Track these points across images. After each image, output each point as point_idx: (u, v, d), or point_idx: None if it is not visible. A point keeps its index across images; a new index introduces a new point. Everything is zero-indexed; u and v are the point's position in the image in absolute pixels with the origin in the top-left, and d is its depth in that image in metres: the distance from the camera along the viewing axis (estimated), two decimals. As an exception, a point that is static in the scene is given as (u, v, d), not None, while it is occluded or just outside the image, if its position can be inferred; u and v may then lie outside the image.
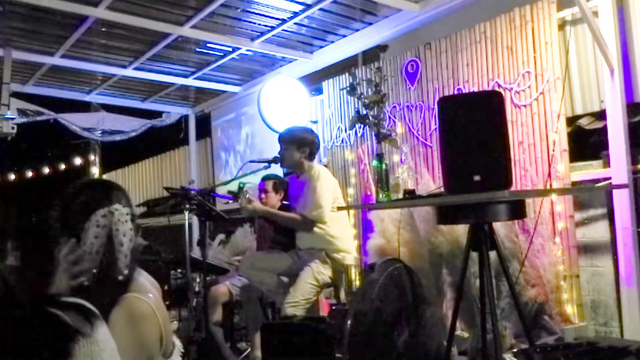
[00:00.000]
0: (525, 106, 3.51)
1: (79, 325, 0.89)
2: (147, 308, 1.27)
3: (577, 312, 3.26)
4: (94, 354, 0.87)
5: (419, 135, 4.15)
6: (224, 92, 5.95)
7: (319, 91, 5.16)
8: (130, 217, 1.35)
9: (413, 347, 2.80)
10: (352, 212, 4.42)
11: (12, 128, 4.63)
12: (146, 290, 1.32)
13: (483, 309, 2.40)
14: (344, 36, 4.49)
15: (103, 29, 4.28)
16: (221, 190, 5.01)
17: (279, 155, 3.61)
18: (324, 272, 3.42)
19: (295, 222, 3.52)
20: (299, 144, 3.53)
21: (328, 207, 3.42)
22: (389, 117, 4.25)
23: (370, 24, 4.26)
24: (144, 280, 1.37)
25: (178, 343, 1.44)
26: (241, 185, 3.58)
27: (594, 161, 3.39)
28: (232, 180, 3.76)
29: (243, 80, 5.68)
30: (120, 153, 9.06)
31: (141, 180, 9.34)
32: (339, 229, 3.52)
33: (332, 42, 4.61)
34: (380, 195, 2.93)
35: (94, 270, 1.28)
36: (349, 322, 2.68)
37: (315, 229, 3.44)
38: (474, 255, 2.32)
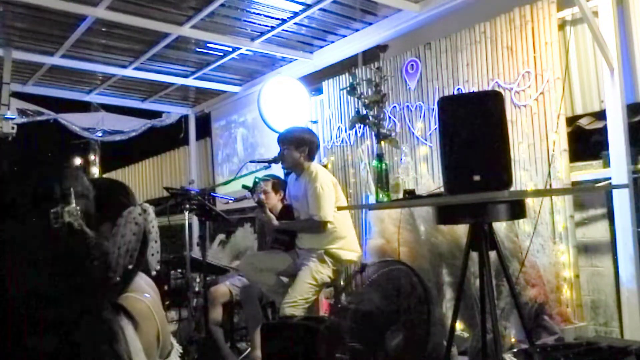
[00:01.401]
0: (525, 106, 3.51)
1: (121, 326, 0.90)
2: (144, 307, 1.27)
3: (577, 312, 3.26)
4: (124, 353, 0.90)
5: (419, 135, 4.15)
6: (224, 92, 5.96)
7: (319, 91, 5.15)
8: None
9: (409, 348, 2.78)
10: (351, 211, 4.42)
11: (12, 128, 4.63)
12: (143, 291, 1.33)
13: (483, 309, 2.39)
14: (344, 36, 4.49)
15: (103, 29, 4.28)
16: (221, 191, 5.02)
17: (278, 156, 3.62)
18: (323, 272, 3.41)
19: (306, 227, 3.52)
20: (298, 144, 3.53)
21: (332, 205, 3.43)
22: (389, 117, 4.25)
23: (370, 24, 4.26)
24: (141, 281, 1.37)
25: (176, 344, 1.44)
26: (257, 180, 3.58)
27: (594, 161, 3.39)
28: (232, 180, 3.76)
29: (243, 80, 5.68)
30: (120, 153, 9.06)
31: (141, 180, 9.34)
32: (343, 228, 3.52)
33: (332, 42, 4.61)
34: (380, 195, 2.93)
35: (130, 267, 1.29)
36: (327, 322, 2.67)
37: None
38: (474, 255, 2.32)
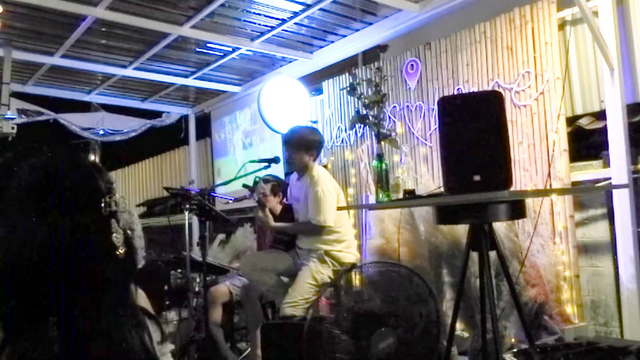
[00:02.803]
0: (525, 106, 3.51)
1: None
2: None
3: (577, 312, 3.26)
4: (149, 343, 0.94)
5: (419, 135, 4.15)
6: (224, 92, 5.96)
7: (319, 91, 5.16)
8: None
9: (400, 352, 2.72)
10: (351, 212, 4.42)
11: (12, 128, 4.63)
12: None
13: (483, 309, 2.39)
14: (344, 36, 4.49)
15: (103, 29, 4.28)
16: (221, 191, 5.02)
17: (285, 157, 3.60)
18: (323, 272, 3.41)
19: (304, 230, 3.52)
20: (308, 147, 3.50)
21: (333, 210, 3.41)
22: (389, 117, 4.25)
23: (370, 24, 4.26)
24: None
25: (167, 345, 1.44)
26: (257, 179, 3.56)
27: (594, 161, 3.38)
28: (232, 180, 3.75)
29: (243, 80, 5.69)
30: (120, 153, 9.05)
31: (141, 180, 9.34)
32: (344, 232, 3.52)
33: (332, 42, 4.61)
34: (380, 195, 2.93)
35: None
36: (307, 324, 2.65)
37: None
38: (474, 255, 2.32)
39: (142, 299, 1.37)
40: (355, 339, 2.68)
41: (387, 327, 2.70)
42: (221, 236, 5.51)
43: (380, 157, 2.98)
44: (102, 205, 0.90)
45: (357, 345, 2.67)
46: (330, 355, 2.65)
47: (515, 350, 2.80)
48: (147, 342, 0.91)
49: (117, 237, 0.91)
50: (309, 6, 3.94)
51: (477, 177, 2.10)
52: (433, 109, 4.03)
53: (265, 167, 3.66)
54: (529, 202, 3.22)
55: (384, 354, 2.67)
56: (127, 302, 0.91)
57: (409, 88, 4.26)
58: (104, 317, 0.84)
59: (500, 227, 3.09)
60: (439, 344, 2.78)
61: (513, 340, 3.07)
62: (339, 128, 4.85)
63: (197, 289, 4.27)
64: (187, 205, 3.60)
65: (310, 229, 3.44)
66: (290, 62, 5.05)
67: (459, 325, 3.08)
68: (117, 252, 0.90)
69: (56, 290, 0.82)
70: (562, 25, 3.50)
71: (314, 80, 5.22)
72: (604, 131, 3.23)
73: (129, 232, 0.95)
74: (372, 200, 4.20)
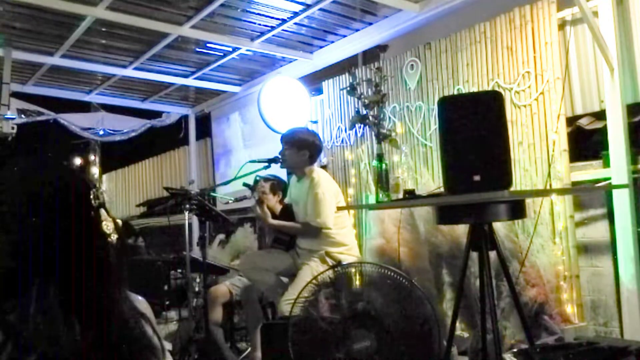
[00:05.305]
0: (525, 106, 3.51)
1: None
2: None
3: (577, 312, 3.26)
4: (148, 332, 1.02)
5: (419, 135, 4.15)
6: (224, 92, 5.96)
7: (319, 91, 5.15)
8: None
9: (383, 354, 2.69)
10: (351, 212, 4.42)
11: (12, 128, 4.63)
12: None
13: (483, 309, 2.39)
14: (344, 36, 4.49)
15: (103, 29, 4.28)
16: (221, 191, 5.02)
17: (279, 155, 3.61)
18: (324, 272, 3.41)
19: (302, 231, 3.52)
20: (299, 146, 3.52)
21: (332, 212, 3.41)
22: (389, 117, 4.25)
23: (370, 24, 4.26)
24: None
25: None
26: (257, 178, 3.57)
27: (594, 161, 3.38)
28: (232, 180, 3.76)
29: (243, 80, 5.69)
30: (120, 153, 9.06)
31: (141, 180, 9.34)
32: (343, 233, 3.52)
33: (332, 42, 4.61)
34: (380, 195, 2.93)
35: None
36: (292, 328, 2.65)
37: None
38: (474, 255, 2.32)
39: (142, 303, 1.37)
40: (335, 335, 2.67)
41: (365, 329, 2.68)
42: (221, 236, 5.51)
43: (380, 157, 2.98)
44: (92, 197, 0.97)
45: (336, 341, 2.66)
46: (313, 348, 2.64)
47: (515, 350, 2.80)
48: (143, 325, 0.95)
49: (107, 225, 0.97)
50: (309, 6, 3.94)
51: (477, 177, 2.10)
52: (433, 109, 4.03)
53: (266, 167, 3.67)
54: (529, 202, 3.22)
55: (359, 355, 2.65)
56: (121, 287, 0.97)
57: (409, 88, 4.26)
58: (103, 298, 0.91)
59: (500, 227, 3.09)
60: (435, 345, 2.76)
61: (513, 340, 3.07)
62: (339, 128, 4.85)
63: (197, 289, 4.28)
64: (187, 205, 3.60)
65: (309, 231, 3.44)
66: (290, 62, 5.05)
67: (459, 325, 3.08)
68: (109, 239, 0.96)
69: (56, 273, 0.89)
70: (562, 25, 3.50)
71: (314, 80, 5.22)
72: (604, 131, 3.23)
73: (118, 221, 1.01)
74: (372, 200, 4.20)
